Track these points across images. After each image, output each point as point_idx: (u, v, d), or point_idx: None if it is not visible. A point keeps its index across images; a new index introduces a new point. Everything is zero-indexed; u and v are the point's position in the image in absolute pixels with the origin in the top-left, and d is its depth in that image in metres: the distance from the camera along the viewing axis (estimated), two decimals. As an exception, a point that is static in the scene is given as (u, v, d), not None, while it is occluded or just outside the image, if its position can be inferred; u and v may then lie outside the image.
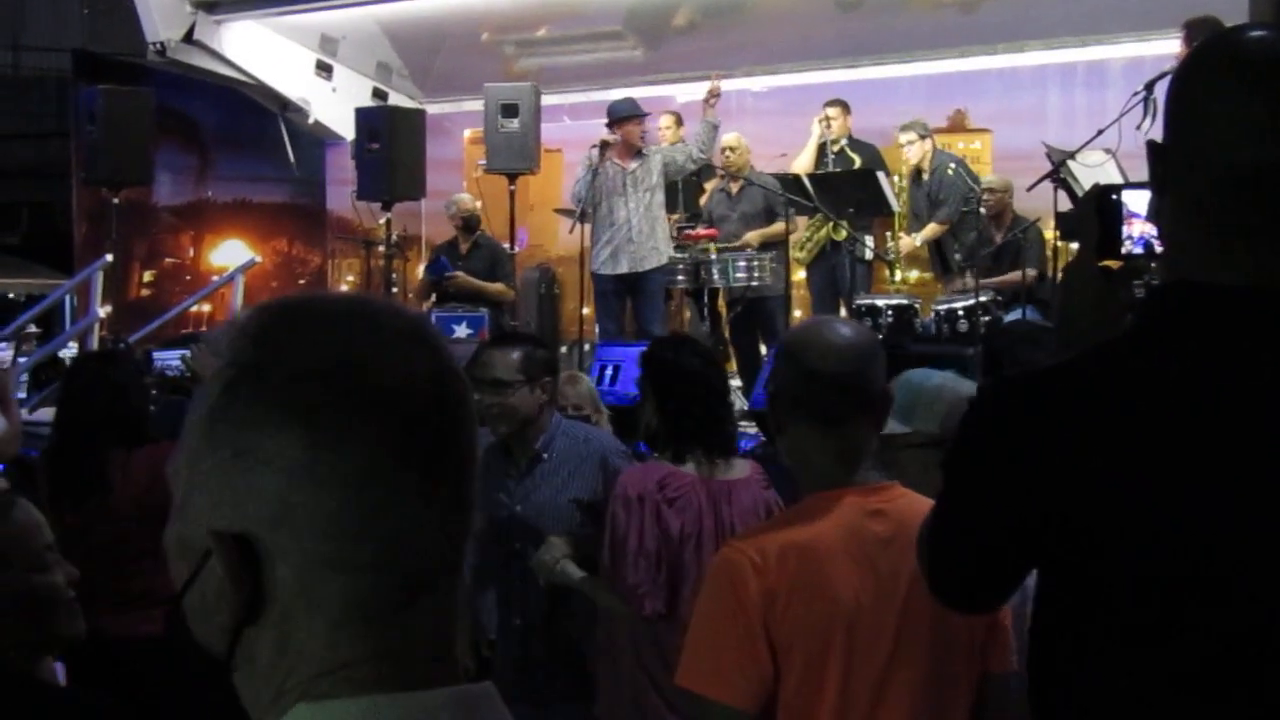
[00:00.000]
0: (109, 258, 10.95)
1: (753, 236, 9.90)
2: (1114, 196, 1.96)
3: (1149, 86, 7.31)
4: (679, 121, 10.69)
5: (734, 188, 10.18)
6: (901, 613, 2.51)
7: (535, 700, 4.30)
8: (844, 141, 10.37)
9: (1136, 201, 1.94)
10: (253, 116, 13.66)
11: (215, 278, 12.69)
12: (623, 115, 9.63)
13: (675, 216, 10.09)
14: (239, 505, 1.04)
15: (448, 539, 1.09)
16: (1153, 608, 1.73)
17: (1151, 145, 1.82)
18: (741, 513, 3.95)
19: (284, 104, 13.28)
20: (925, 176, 9.89)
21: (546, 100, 10.52)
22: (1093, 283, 1.95)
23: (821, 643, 2.47)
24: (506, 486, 4.39)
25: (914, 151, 9.89)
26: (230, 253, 13.53)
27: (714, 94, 9.52)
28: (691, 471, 4.00)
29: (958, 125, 11.14)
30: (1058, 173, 8.08)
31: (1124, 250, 1.95)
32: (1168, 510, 1.70)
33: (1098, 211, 1.96)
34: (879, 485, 2.61)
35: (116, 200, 10.91)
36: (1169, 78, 1.83)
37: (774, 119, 11.55)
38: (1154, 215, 1.91)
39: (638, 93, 10.61)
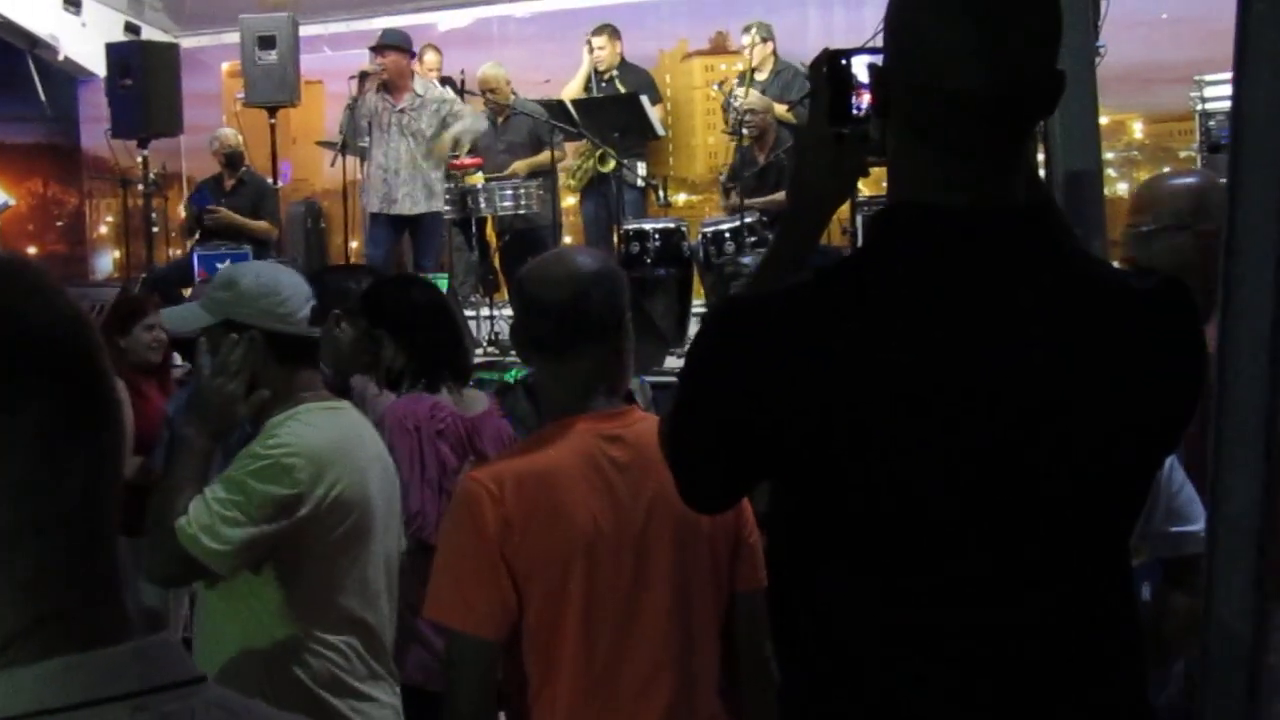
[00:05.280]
0: None
1: (520, 166, 9.82)
2: (844, 62, 1.95)
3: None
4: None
5: (499, 117, 10.09)
6: (641, 536, 2.52)
7: None
8: (615, 69, 10.34)
9: (865, 70, 1.91)
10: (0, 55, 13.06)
11: (-33, 224, 12.17)
12: (386, 45, 9.39)
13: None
14: None
15: (113, 487, 1.05)
16: (855, 531, 1.78)
17: (873, 69, 1.83)
18: (491, 443, 3.93)
19: (32, 41, 12.69)
20: (762, 77, 9.92)
21: (305, 31, 10.30)
22: (825, 148, 1.95)
23: (561, 570, 2.46)
24: None
25: (757, 54, 9.94)
26: (-17, 197, 12.95)
27: None
28: (449, 403, 3.98)
29: (720, 47, 11.16)
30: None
31: (855, 115, 1.94)
32: (881, 430, 1.72)
33: (828, 78, 1.95)
34: (615, 411, 2.60)
35: None
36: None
37: (538, 45, 11.44)
38: (878, 138, 1.92)
39: (399, 21, 10.46)
